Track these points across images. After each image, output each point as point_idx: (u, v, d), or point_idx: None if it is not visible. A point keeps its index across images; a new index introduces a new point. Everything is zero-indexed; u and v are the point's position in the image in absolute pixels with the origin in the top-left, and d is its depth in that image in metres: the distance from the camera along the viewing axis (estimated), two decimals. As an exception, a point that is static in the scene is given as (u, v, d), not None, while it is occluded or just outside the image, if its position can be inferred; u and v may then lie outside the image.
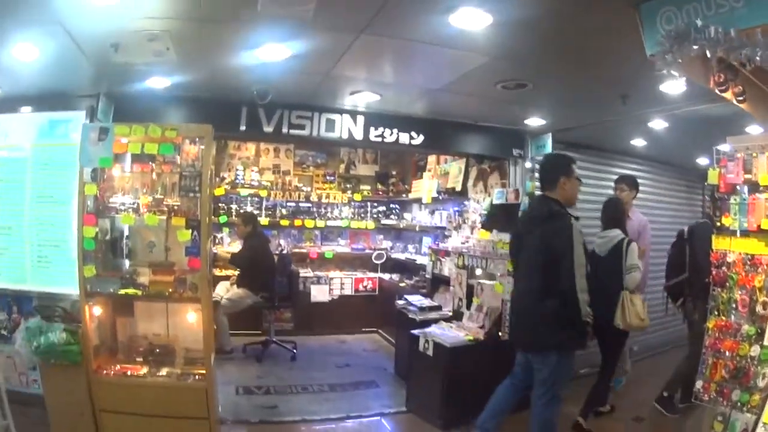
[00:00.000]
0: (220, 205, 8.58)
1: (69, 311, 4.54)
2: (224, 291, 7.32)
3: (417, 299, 6.48)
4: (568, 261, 3.65)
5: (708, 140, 6.74)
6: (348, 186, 9.76)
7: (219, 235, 8.59)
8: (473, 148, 6.84)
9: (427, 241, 8.64)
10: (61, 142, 4.95)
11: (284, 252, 8.42)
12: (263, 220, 8.56)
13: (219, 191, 8.47)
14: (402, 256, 9.05)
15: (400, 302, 6.60)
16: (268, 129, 5.80)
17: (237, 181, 8.82)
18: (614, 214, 5.14)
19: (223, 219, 8.50)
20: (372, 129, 6.21)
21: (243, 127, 5.74)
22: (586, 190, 6.46)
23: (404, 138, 6.36)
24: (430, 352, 5.11)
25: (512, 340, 4.28)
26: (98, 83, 5.02)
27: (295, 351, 7.29)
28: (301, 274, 8.19)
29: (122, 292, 4.42)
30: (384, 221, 9.69)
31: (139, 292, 4.44)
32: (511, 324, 4.32)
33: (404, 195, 9.45)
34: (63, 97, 5.15)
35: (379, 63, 4.63)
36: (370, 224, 9.57)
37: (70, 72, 4.66)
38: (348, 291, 8.83)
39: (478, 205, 7.06)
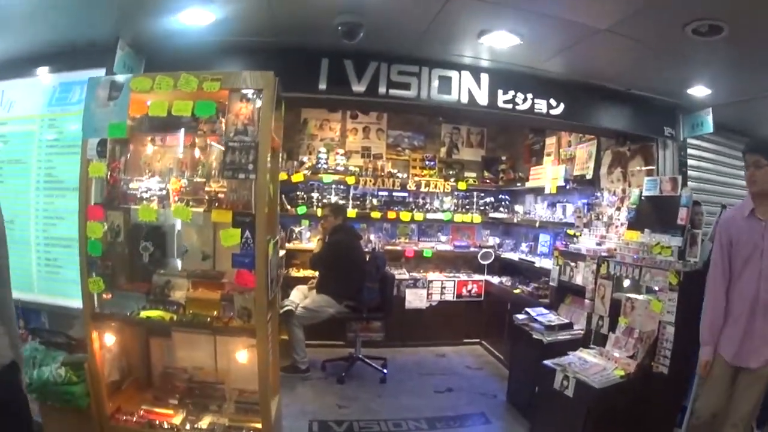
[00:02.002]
0: (298, 193, 7.54)
1: (75, 338, 3.34)
2: (300, 297, 6.19)
3: (541, 313, 5.43)
4: None
5: None
6: (450, 173, 8.42)
7: (297, 229, 7.54)
8: (619, 124, 5.49)
9: (544, 238, 7.40)
10: (74, 111, 3.85)
11: (377, 250, 7.23)
12: (350, 212, 7.42)
13: (297, 177, 7.38)
14: (514, 256, 7.74)
15: (521, 317, 5.49)
16: (359, 88, 4.46)
17: (319, 165, 7.66)
18: None
19: (301, 210, 7.38)
20: (500, 92, 4.80)
21: (323, 86, 4.39)
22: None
23: (541, 106, 4.93)
24: (569, 392, 4.07)
25: None
26: (118, 26, 3.76)
27: (385, 371, 6.16)
28: (395, 277, 7.00)
29: (144, 315, 3.22)
30: (492, 214, 8.33)
31: (168, 317, 3.19)
32: None
33: (518, 184, 8.10)
34: (83, 52, 4.00)
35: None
36: (477, 217, 8.20)
37: (79, 10, 3.49)
38: (449, 296, 7.61)
39: (614, 197, 5.79)
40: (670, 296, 4.10)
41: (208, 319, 3.13)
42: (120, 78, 3.09)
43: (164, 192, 3.16)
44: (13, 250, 3.87)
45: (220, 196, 3.08)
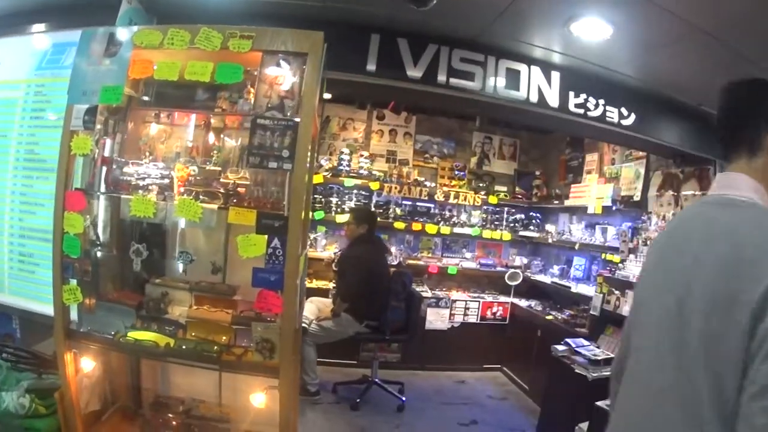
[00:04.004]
0: (316, 197, 6.83)
1: (43, 356, 2.62)
2: (315, 312, 5.51)
3: (582, 345, 5.02)
4: None
5: None
6: (480, 185, 7.80)
7: (312, 236, 6.79)
8: (683, 142, 4.98)
9: (578, 262, 6.84)
10: (65, 76, 3.05)
11: (402, 265, 6.64)
12: (371, 220, 6.77)
13: (317, 179, 6.66)
14: (545, 279, 7.18)
15: (560, 348, 5.06)
16: (415, 73, 3.78)
17: (340, 167, 6.98)
18: None
19: (319, 215, 6.70)
20: (571, 94, 4.19)
21: (372, 67, 3.72)
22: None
23: (612, 114, 4.36)
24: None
25: None
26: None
27: (403, 399, 5.56)
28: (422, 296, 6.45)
29: (131, 336, 2.47)
30: (522, 233, 7.72)
31: (163, 341, 2.48)
32: None
33: (555, 201, 7.46)
34: (84, 7, 3.36)
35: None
36: (506, 235, 7.60)
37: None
38: (472, 318, 7.00)
39: (663, 222, 5.35)
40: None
41: (215, 347, 2.43)
42: (122, 31, 2.41)
43: (167, 181, 2.46)
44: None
45: (240, 190, 2.39)
